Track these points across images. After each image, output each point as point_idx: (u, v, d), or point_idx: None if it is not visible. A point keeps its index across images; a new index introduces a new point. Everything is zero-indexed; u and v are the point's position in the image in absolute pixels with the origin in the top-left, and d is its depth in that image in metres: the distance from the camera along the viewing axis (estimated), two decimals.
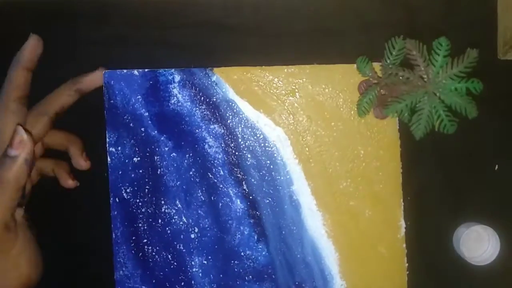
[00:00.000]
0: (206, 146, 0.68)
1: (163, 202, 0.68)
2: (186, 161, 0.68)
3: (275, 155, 0.67)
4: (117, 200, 0.69)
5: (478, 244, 0.65)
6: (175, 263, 0.69)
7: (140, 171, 0.68)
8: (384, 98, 0.56)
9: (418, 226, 0.67)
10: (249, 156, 0.68)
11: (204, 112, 0.68)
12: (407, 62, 0.50)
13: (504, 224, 0.65)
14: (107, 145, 0.68)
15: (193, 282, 0.68)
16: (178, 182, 0.68)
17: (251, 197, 0.68)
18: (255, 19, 0.68)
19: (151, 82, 0.68)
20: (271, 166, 0.67)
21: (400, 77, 0.49)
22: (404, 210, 0.66)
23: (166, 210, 0.68)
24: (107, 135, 0.68)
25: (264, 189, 0.67)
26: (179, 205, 0.68)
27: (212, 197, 0.68)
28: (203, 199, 0.68)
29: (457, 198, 0.67)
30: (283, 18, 0.68)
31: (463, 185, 0.67)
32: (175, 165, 0.68)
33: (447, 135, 0.66)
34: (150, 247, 0.69)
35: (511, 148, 0.67)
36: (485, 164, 0.67)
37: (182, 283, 0.69)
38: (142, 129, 0.68)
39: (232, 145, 0.68)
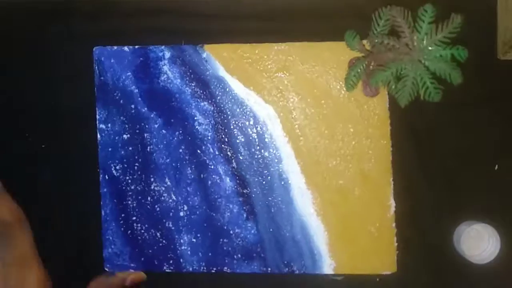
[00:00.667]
0: (196, 123, 0.68)
1: (152, 179, 0.68)
2: (175, 138, 0.68)
3: (264, 133, 0.67)
4: (106, 177, 0.69)
5: (478, 242, 0.64)
6: (164, 241, 0.68)
7: (130, 148, 0.68)
8: (372, 73, 0.56)
9: (417, 223, 0.66)
10: (239, 133, 0.67)
11: (194, 89, 0.68)
12: (394, 33, 0.50)
13: (504, 223, 0.64)
14: (97, 122, 0.69)
15: (181, 260, 0.68)
16: (168, 160, 0.68)
17: (240, 175, 0.67)
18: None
19: (141, 59, 0.68)
20: (261, 144, 0.67)
21: (386, 45, 0.49)
22: (394, 192, 0.66)
23: (156, 188, 0.68)
24: (97, 112, 0.68)
25: (253, 167, 0.67)
26: (169, 183, 0.68)
27: (202, 175, 0.68)
28: (193, 176, 0.68)
29: (457, 197, 0.66)
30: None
31: (463, 184, 0.66)
32: (164, 142, 0.68)
33: (447, 132, 0.65)
34: (139, 225, 0.69)
35: (511, 148, 0.66)
36: (485, 164, 0.66)
37: (171, 261, 0.68)
38: (132, 106, 0.68)
39: (222, 122, 0.68)
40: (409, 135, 0.66)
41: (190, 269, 0.68)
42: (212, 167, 0.68)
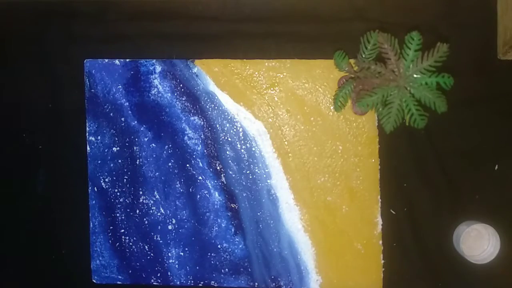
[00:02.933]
0: (186, 137, 0.68)
1: (141, 192, 0.68)
2: (165, 152, 0.68)
3: (254, 148, 0.67)
4: (95, 189, 0.69)
5: (478, 242, 0.64)
6: (151, 254, 0.69)
7: (119, 161, 0.68)
8: (363, 93, 0.56)
9: (418, 224, 0.66)
10: (228, 148, 0.68)
11: (185, 104, 0.68)
12: (381, 59, 0.50)
13: (504, 223, 0.64)
14: (87, 134, 0.69)
15: (169, 273, 0.68)
16: (157, 173, 0.68)
17: (229, 190, 0.68)
18: (240, 13, 0.68)
19: (132, 72, 0.68)
20: (250, 159, 0.67)
21: (372, 71, 0.49)
22: (381, 206, 0.66)
23: (144, 201, 0.68)
24: (87, 124, 0.68)
25: (242, 182, 0.67)
26: (157, 196, 0.68)
27: (191, 189, 0.68)
28: (181, 190, 0.68)
29: (457, 197, 0.66)
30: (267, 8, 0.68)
31: (463, 184, 0.66)
32: (154, 155, 0.68)
33: (447, 134, 0.65)
34: (127, 237, 0.69)
35: (511, 148, 0.66)
36: (485, 164, 0.66)
37: (158, 274, 0.69)
38: (122, 119, 0.68)
39: (212, 137, 0.68)
40: (406, 136, 0.65)
41: (178, 282, 0.68)
42: (201, 181, 0.68)
